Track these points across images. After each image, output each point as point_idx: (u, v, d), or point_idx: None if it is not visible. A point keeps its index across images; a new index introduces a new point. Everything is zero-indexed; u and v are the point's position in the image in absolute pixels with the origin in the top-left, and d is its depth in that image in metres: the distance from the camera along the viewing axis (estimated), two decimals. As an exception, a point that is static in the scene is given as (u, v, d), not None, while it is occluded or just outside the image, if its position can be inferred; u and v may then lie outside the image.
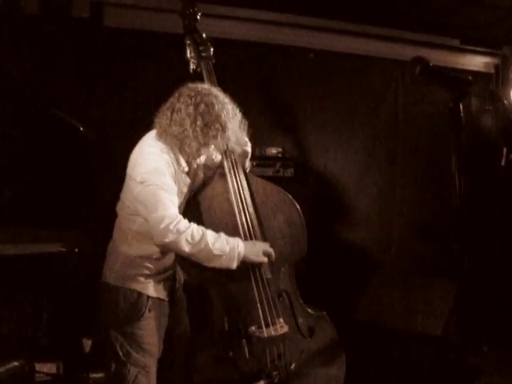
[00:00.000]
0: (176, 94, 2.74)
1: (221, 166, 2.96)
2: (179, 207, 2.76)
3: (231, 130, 2.71)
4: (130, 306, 2.75)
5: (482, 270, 4.66)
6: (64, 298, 3.38)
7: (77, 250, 3.19)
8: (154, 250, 2.77)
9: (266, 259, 2.82)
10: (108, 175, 3.62)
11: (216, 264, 2.68)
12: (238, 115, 2.76)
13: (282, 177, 4.17)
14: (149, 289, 2.78)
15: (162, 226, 2.58)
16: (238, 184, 2.89)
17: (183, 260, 2.79)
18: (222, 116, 2.68)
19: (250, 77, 4.22)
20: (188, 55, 3.08)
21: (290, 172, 4.24)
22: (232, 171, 2.91)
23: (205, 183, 2.96)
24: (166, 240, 2.60)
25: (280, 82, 4.49)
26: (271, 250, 2.83)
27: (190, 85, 2.77)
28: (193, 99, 2.68)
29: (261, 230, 2.89)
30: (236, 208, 2.86)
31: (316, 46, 4.58)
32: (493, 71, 5.25)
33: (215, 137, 2.68)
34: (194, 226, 2.66)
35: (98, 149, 3.61)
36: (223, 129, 2.68)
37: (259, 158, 4.10)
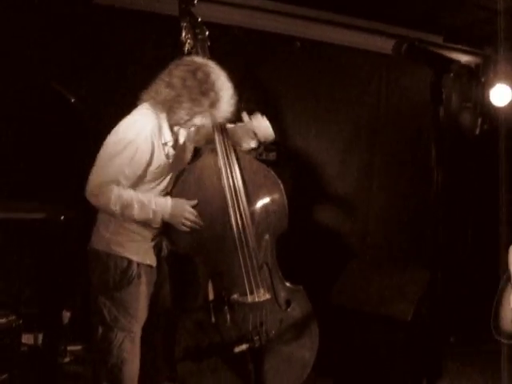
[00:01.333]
0: (173, 64, 2.80)
1: (212, 141, 3.05)
2: (161, 178, 2.86)
3: (224, 102, 2.77)
4: (120, 273, 2.82)
5: (454, 259, 4.80)
6: (48, 267, 3.42)
7: (62, 217, 3.25)
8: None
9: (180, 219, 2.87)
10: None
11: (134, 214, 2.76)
12: (231, 91, 2.82)
13: (264, 160, 4.21)
14: (139, 255, 2.86)
15: (87, 189, 2.72)
16: (228, 158, 3.00)
17: (169, 229, 2.90)
18: (218, 85, 2.74)
19: (235, 62, 4.28)
20: (183, 37, 3.11)
21: (272, 155, 4.36)
22: (223, 146, 3.01)
23: (199, 154, 3.08)
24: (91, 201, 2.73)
25: (265, 68, 4.56)
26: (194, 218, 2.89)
27: (187, 57, 2.87)
28: (190, 67, 2.75)
29: (248, 202, 3.02)
30: (225, 180, 2.97)
31: (302, 35, 4.65)
32: (473, 68, 5.39)
33: (209, 105, 2.74)
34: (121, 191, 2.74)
35: (89, 121, 3.66)
36: (217, 98, 2.74)
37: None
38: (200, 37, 3.10)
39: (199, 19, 3.17)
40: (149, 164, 2.78)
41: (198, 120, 2.82)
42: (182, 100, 2.72)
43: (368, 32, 4.83)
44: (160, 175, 2.87)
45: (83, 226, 3.23)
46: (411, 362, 4.12)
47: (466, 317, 4.95)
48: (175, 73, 2.76)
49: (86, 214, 3.07)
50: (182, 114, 2.76)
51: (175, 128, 2.89)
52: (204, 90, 2.72)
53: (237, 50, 4.35)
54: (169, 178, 2.93)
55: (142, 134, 2.74)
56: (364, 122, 5.06)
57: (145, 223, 2.84)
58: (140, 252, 2.87)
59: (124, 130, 2.76)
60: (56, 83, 3.63)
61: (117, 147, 2.71)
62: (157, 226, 2.87)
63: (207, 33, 3.13)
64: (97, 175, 2.71)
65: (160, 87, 2.77)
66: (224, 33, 4.24)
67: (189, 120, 2.80)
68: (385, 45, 4.88)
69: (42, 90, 3.64)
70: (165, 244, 3.06)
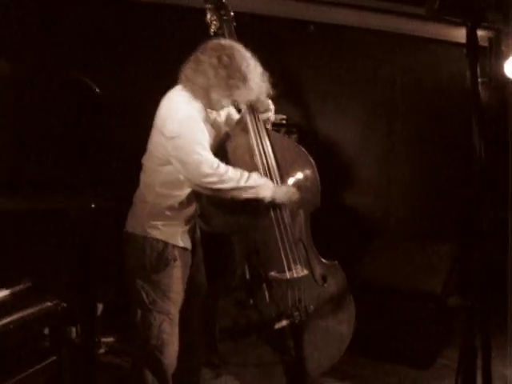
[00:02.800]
0: (200, 49, 2.84)
1: (242, 121, 3.08)
2: None
3: (252, 81, 2.81)
4: (157, 255, 2.85)
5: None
6: (83, 258, 3.44)
7: (93, 205, 3.28)
8: (180, 199, 2.87)
9: (291, 197, 2.98)
10: (121, 132, 3.74)
11: (251, 194, 2.84)
12: (259, 69, 2.86)
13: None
14: (174, 238, 2.89)
15: (203, 169, 2.72)
16: (259, 136, 3.03)
17: (207, 209, 2.95)
18: (243, 67, 2.78)
19: (254, 48, 4.31)
20: (209, 18, 3.13)
21: (294, 138, 4.39)
22: (254, 125, 3.04)
23: (227, 137, 3.09)
24: (206, 182, 2.74)
25: (283, 53, 4.58)
26: (295, 191, 3.00)
27: (214, 40, 2.90)
28: (216, 52, 2.79)
29: (281, 179, 3.05)
30: (259, 158, 3.01)
31: (316, 18, 4.68)
32: (487, 44, 5.40)
33: (238, 87, 2.79)
34: (230, 167, 2.81)
35: (111, 109, 3.71)
36: (244, 79, 2.78)
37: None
38: (225, 18, 3.13)
39: (224, 0, 3.18)
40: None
41: (227, 101, 2.89)
42: (213, 84, 2.78)
43: (380, 12, 4.83)
44: None
45: (114, 216, 3.28)
46: (446, 334, 4.17)
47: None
48: (202, 58, 2.80)
49: (117, 202, 3.12)
50: (216, 98, 2.83)
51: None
52: (231, 73, 2.77)
53: (252, 37, 4.36)
54: None
55: (194, 109, 2.81)
56: (381, 101, 5.08)
57: (181, 206, 2.88)
58: (175, 235, 2.90)
59: (177, 111, 2.79)
60: (80, 74, 3.67)
61: (185, 127, 2.75)
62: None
63: (232, 13, 3.15)
64: (193, 158, 2.74)
65: (190, 72, 2.81)
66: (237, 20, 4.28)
67: (221, 101, 2.86)
68: (397, 24, 4.93)
69: (67, 81, 3.68)
70: (198, 227, 3.09)
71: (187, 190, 2.87)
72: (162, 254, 2.85)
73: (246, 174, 2.83)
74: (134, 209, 2.96)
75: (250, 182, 2.82)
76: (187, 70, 2.83)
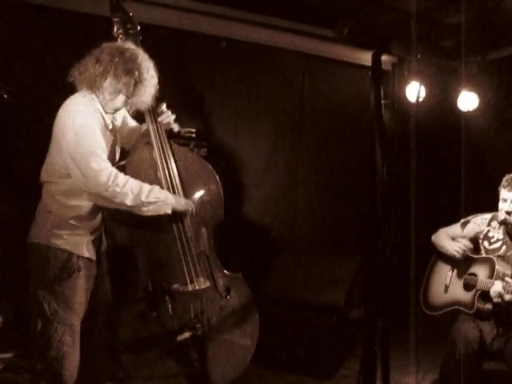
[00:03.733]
0: (99, 48, 2.82)
1: (147, 134, 3.07)
2: None
3: (147, 85, 2.82)
4: (61, 266, 2.79)
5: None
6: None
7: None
8: (84, 209, 2.83)
9: (189, 209, 2.99)
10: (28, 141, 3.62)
11: (152, 211, 2.83)
12: (155, 78, 2.87)
13: (195, 156, 4.31)
14: (79, 248, 2.84)
15: (101, 180, 2.68)
16: (163, 151, 3.03)
17: (110, 222, 2.92)
18: (143, 67, 2.79)
19: (165, 61, 4.32)
20: (115, 32, 3.11)
21: (203, 151, 4.44)
22: (158, 139, 3.04)
23: (129, 151, 3.07)
24: (106, 194, 2.70)
25: (194, 67, 4.63)
26: (192, 205, 3.01)
27: (114, 42, 2.91)
28: (121, 48, 2.82)
29: (184, 193, 3.06)
30: (162, 174, 3.01)
31: (228, 35, 4.75)
32: (390, 68, 5.68)
33: (134, 86, 2.78)
34: (130, 178, 2.77)
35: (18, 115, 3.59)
36: (141, 78, 2.78)
37: (174, 138, 4.22)
38: (131, 32, 3.13)
39: (130, 14, 3.18)
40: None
41: (120, 101, 2.85)
42: (107, 76, 2.76)
43: (292, 32, 4.98)
44: None
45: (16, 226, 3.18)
46: (348, 345, 4.30)
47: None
48: (105, 50, 2.80)
49: (20, 211, 3.03)
50: (106, 92, 2.80)
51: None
52: (129, 69, 2.76)
53: (163, 51, 4.38)
54: None
55: (90, 117, 2.77)
56: (289, 119, 5.23)
57: (86, 216, 2.84)
58: (80, 245, 2.85)
59: (74, 120, 2.73)
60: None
61: (80, 137, 2.70)
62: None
63: (139, 27, 3.16)
64: (91, 168, 2.69)
65: (89, 62, 2.79)
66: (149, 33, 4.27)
67: (111, 100, 2.83)
68: (308, 44, 5.10)
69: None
70: (104, 238, 3.05)
71: (89, 204, 2.84)
72: (65, 264, 2.80)
73: (146, 187, 2.81)
74: (37, 219, 2.88)
75: (151, 198, 2.80)
76: (86, 59, 2.80)
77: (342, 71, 5.34)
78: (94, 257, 2.92)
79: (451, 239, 3.78)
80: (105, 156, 2.77)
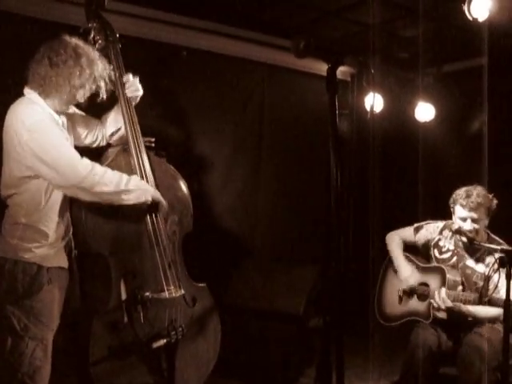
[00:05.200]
0: (51, 46, 2.77)
1: (125, 141, 3.07)
2: None
3: (97, 72, 2.81)
4: (30, 279, 2.72)
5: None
6: None
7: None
8: (51, 218, 2.78)
9: (165, 204, 2.99)
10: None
11: (133, 200, 2.82)
12: (106, 71, 2.87)
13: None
14: (48, 260, 2.77)
15: (77, 169, 2.66)
16: (141, 159, 3.03)
17: (80, 229, 2.88)
18: (90, 58, 2.78)
19: (126, 70, 4.32)
20: (92, 37, 3.04)
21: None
22: (136, 147, 3.04)
23: (107, 155, 3.06)
24: (83, 184, 2.67)
25: (154, 76, 4.57)
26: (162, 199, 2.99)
27: (66, 38, 2.81)
28: (72, 45, 2.77)
29: None
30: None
31: (189, 44, 4.75)
32: (349, 79, 5.78)
33: (85, 78, 2.77)
34: (107, 168, 2.77)
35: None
36: (91, 75, 2.78)
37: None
38: (111, 38, 3.09)
39: (108, 21, 3.12)
40: None
41: (69, 99, 2.82)
42: (64, 86, 2.73)
43: (251, 42, 5.04)
44: None
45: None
46: (308, 354, 4.34)
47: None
48: (54, 48, 2.75)
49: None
50: (54, 91, 2.75)
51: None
52: (78, 61, 2.74)
53: (131, 60, 4.37)
54: None
55: (42, 113, 2.72)
56: (249, 128, 5.27)
57: (52, 226, 2.78)
58: (50, 256, 2.78)
59: (23, 121, 2.66)
60: None
61: (40, 132, 2.65)
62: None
63: (118, 34, 3.11)
64: (64, 159, 2.66)
65: (42, 71, 2.73)
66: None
67: (60, 99, 2.79)
68: (267, 54, 5.16)
69: None
70: (74, 245, 2.98)
71: (56, 208, 2.79)
72: (34, 277, 2.72)
73: (125, 176, 2.80)
74: (3, 233, 2.80)
75: (131, 185, 2.79)
76: (37, 67, 2.75)
77: (301, 81, 5.40)
78: (66, 264, 2.86)
79: (403, 243, 3.88)
80: (73, 148, 2.75)
